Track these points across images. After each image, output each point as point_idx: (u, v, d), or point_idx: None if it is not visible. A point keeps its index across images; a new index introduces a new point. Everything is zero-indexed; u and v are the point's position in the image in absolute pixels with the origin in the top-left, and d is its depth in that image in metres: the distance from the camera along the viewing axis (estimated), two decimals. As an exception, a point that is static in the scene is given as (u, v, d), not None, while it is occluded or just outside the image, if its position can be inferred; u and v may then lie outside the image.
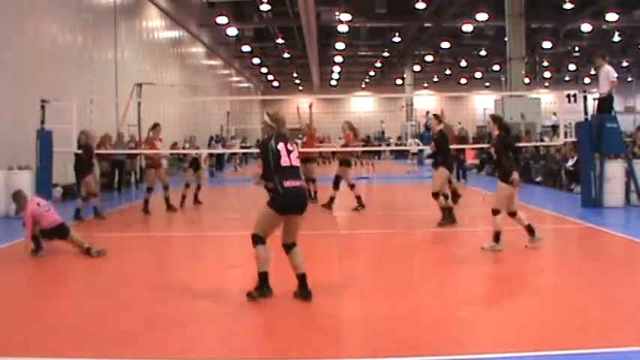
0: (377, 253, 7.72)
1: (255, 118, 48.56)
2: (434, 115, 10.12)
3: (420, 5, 26.05)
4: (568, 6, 25.76)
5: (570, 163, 14.69)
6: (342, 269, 7.15)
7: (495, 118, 7.85)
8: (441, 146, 9.58)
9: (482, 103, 41.65)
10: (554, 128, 25.32)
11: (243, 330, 4.76)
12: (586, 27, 28.79)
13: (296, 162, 5.42)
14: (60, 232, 7.70)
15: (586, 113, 11.91)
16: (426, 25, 30.55)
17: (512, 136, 7.72)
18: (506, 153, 7.48)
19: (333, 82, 51.46)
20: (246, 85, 48.93)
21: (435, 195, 9.49)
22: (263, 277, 5.38)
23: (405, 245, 8.50)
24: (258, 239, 5.39)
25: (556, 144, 16.02)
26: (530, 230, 7.54)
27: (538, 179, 17.00)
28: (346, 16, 27.51)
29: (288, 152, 5.38)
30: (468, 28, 29.21)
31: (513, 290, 5.78)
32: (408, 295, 5.62)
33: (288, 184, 5.29)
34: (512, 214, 7.59)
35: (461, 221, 10.95)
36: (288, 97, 51.94)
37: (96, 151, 15.46)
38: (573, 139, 13.37)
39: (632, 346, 4.11)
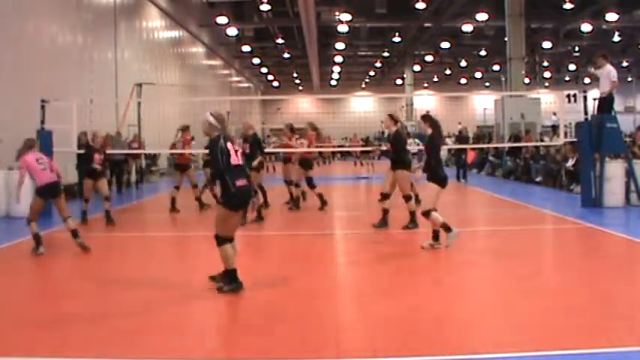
0: (377, 253, 7.71)
1: (255, 118, 48.61)
2: (389, 114, 9.68)
3: (420, 5, 26.05)
4: (568, 6, 25.75)
5: (570, 163, 14.69)
6: (342, 269, 7.15)
7: (426, 118, 7.93)
8: (398, 146, 9.31)
9: (482, 103, 41.75)
10: (554, 128, 25.34)
11: (243, 330, 4.76)
12: (586, 27, 28.79)
13: (241, 160, 5.72)
14: (52, 190, 7.76)
15: (586, 113, 11.91)
16: (426, 25, 30.54)
17: (439, 136, 7.96)
18: (434, 152, 7.66)
19: (333, 82, 51.46)
20: (246, 85, 48.92)
21: (407, 197, 9.27)
22: (232, 273, 5.59)
23: (405, 245, 8.50)
24: (221, 240, 5.61)
25: (556, 144, 16.03)
26: (435, 236, 7.68)
27: (538, 179, 17.00)
28: (346, 16, 27.52)
29: (235, 151, 5.67)
30: (468, 28, 29.20)
31: (513, 290, 5.78)
32: (408, 295, 5.62)
33: (239, 183, 5.58)
34: (426, 214, 7.75)
35: (461, 221, 10.96)
36: (288, 97, 52.05)
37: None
38: (573, 139, 13.38)
39: (632, 346, 4.11)
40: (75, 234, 7.73)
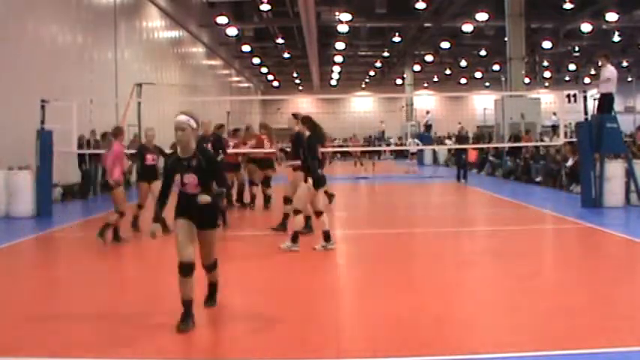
0: (377, 253, 7.72)
1: (255, 118, 48.58)
2: (292, 114, 9.14)
3: (420, 5, 26.03)
4: (568, 6, 25.74)
5: (570, 163, 14.69)
6: (341, 269, 7.15)
7: (305, 120, 8.14)
8: (296, 148, 8.87)
9: (482, 103, 41.74)
10: (554, 128, 25.33)
11: (243, 330, 4.76)
12: (586, 27, 28.77)
13: None
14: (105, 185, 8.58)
15: (586, 113, 11.91)
16: (426, 25, 30.53)
17: (315, 138, 8.12)
18: (310, 153, 7.82)
19: (333, 82, 51.44)
20: (246, 85, 48.90)
21: (287, 199, 9.09)
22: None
23: (405, 245, 8.50)
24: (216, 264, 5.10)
25: (556, 144, 16.03)
26: (326, 236, 7.70)
27: (538, 179, 17.00)
28: (346, 16, 27.51)
29: None
30: (468, 28, 29.19)
31: (513, 290, 5.78)
32: (408, 295, 5.62)
33: None
34: (319, 214, 7.80)
35: (461, 221, 10.98)
36: (288, 97, 52.01)
37: (95, 151, 15.58)
38: (573, 139, 13.37)
39: (632, 346, 4.11)
40: (102, 230, 8.14)
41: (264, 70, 46.37)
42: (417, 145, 25.76)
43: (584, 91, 12.20)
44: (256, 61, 41.58)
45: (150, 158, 9.37)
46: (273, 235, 8.82)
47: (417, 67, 43.72)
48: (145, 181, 9.27)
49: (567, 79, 47.10)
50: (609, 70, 11.86)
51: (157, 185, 9.80)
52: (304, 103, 50.56)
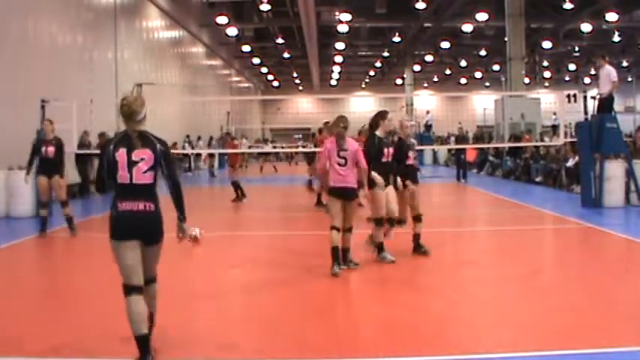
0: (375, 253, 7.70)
1: (255, 118, 48.62)
2: (47, 120, 9.76)
3: (420, 5, 26.02)
4: (568, 6, 25.72)
5: (570, 163, 14.69)
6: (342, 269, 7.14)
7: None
8: (59, 153, 9.34)
9: (482, 103, 41.75)
10: (555, 128, 25.35)
11: (243, 330, 4.76)
12: (586, 27, 28.76)
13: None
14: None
15: (586, 113, 11.92)
16: (426, 25, 30.53)
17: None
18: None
19: (333, 82, 51.43)
20: (246, 85, 48.90)
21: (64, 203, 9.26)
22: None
23: (405, 245, 8.49)
24: None
25: (556, 144, 16.03)
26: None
27: (538, 179, 17.01)
28: (346, 16, 27.50)
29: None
30: (468, 28, 29.18)
31: (513, 290, 5.78)
32: (408, 295, 5.62)
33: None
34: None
35: (461, 221, 10.98)
36: (288, 97, 52.03)
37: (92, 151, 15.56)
38: (573, 139, 13.38)
39: (632, 346, 4.11)
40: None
41: (264, 70, 46.34)
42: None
43: (584, 91, 12.20)
44: (256, 61, 41.56)
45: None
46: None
47: (417, 67, 43.69)
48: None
49: (567, 79, 47.08)
50: (606, 71, 11.86)
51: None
52: (304, 103, 50.59)
